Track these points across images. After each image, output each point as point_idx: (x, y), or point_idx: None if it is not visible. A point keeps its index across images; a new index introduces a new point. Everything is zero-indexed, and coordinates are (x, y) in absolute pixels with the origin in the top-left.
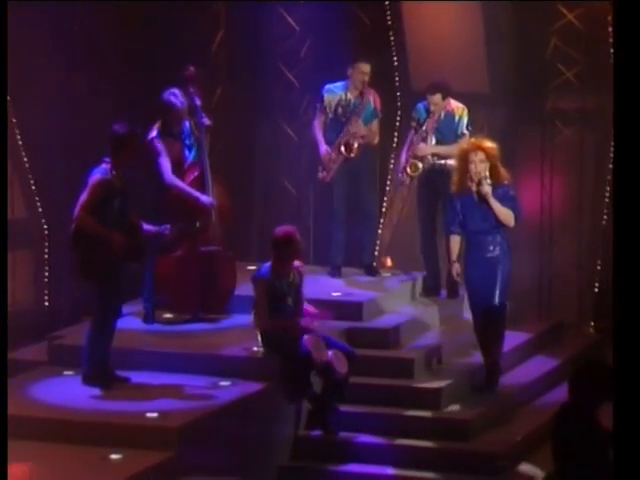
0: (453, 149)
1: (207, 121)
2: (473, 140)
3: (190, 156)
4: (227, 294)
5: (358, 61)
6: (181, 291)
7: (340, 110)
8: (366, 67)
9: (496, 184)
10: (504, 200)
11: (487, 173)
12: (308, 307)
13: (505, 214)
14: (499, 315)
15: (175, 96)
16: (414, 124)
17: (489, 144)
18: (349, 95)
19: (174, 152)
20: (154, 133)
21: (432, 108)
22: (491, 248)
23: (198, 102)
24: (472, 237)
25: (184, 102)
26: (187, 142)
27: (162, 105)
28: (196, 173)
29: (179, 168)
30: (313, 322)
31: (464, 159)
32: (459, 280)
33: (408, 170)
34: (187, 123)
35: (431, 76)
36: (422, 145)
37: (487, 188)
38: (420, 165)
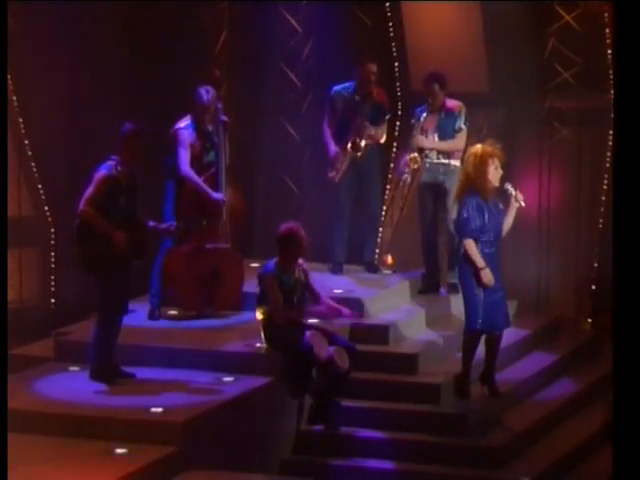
0: (453, 144)
1: (224, 117)
2: (490, 146)
3: (207, 157)
4: (234, 292)
5: (364, 61)
6: (187, 287)
7: (348, 110)
8: (373, 67)
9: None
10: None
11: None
12: (337, 305)
13: (509, 225)
14: (464, 336)
15: (206, 92)
16: (414, 121)
17: (501, 154)
18: (356, 96)
19: (195, 148)
20: (182, 124)
21: (430, 100)
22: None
23: (220, 105)
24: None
25: (210, 100)
26: (206, 145)
27: (194, 97)
28: (212, 171)
29: (196, 165)
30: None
31: (484, 161)
32: (490, 285)
33: (410, 164)
34: (209, 126)
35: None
36: (421, 137)
37: (519, 195)
38: (419, 158)
